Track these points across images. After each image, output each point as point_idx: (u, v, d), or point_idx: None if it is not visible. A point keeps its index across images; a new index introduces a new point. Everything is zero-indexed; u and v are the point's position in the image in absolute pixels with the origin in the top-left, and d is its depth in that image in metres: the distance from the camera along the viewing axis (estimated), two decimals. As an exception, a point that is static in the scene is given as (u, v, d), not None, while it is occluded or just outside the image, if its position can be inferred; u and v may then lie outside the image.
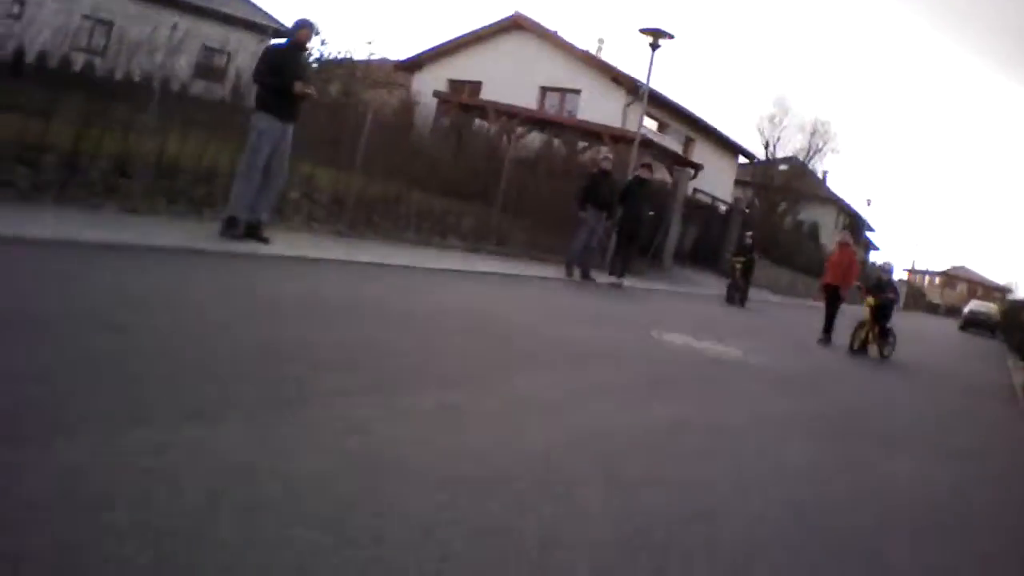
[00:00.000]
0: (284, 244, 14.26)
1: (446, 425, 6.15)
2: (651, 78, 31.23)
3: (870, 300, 20.70)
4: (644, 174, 25.02)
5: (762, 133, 66.96)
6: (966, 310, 74.93)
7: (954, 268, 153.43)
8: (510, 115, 35.71)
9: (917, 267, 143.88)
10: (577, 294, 19.68)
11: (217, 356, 6.68)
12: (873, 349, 20.68)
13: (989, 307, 76.12)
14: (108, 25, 32.60)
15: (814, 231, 65.86)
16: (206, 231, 13.73)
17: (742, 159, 57.95)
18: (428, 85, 43.14)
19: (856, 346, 20.35)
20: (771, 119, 65.95)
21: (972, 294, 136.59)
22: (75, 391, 5.10)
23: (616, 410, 7.92)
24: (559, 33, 45.80)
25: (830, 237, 64.33)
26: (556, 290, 19.35)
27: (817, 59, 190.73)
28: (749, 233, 31.97)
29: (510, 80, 41.81)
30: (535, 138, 32.93)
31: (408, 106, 33.08)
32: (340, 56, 43.13)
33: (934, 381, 19.41)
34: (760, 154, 63.60)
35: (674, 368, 11.24)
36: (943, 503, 7.77)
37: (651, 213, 25.51)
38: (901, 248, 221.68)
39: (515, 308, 14.16)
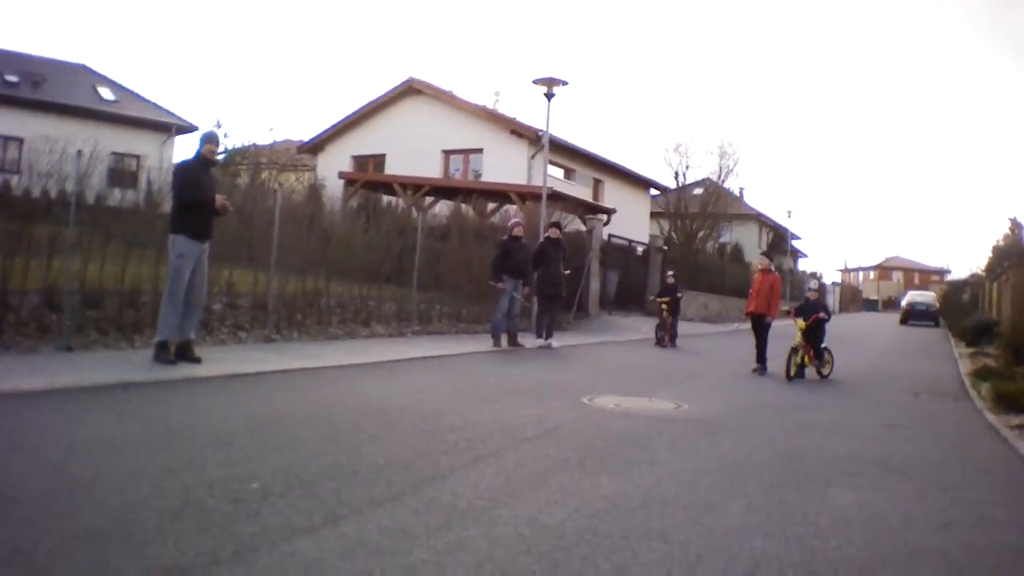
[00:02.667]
0: (216, 361, 14.92)
1: (392, 549, 6.10)
2: (550, 126, 31.60)
3: (800, 323, 20.76)
4: (553, 235, 25.35)
5: (670, 164, 67.40)
6: (904, 302, 74.35)
7: (887, 259, 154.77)
8: (416, 187, 36.42)
9: (849, 265, 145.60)
10: (507, 365, 19.77)
11: (158, 506, 6.65)
12: (811, 371, 20.89)
13: (927, 295, 75.90)
14: (19, 141, 33.38)
15: (737, 252, 66.69)
16: (140, 359, 14.47)
17: (654, 191, 58.43)
18: (333, 164, 44.03)
19: (792, 372, 20.24)
20: (677, 148, 66.44)
21: (909, 283, 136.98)
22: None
23: (553, 499, 7.83)
24: (455, 92, 46.67)
25: (755, 254, 65.25)
26: (485, 364, 19.77)
27: (712, 80, 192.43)
28: (671, 272, 31.96)
29: (412, 148, 42.88)
30: (443, 207, 33.73)
31: (315, 191, 33.66)
32: (243, 144, 43.99)
33: (878, 393, 19.29)
34: (671, 185, 63.75)
35: (605, 439, 11.06)
36: (892, 546, 7.14)
37: (567, 272, 25.56)
38: (831, 250, 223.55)
39: (449, 392, 14.19)
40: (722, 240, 67.70)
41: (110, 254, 17.09)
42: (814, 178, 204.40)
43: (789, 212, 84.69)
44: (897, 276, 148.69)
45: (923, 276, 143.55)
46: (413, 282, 25.00)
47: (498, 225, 31.21)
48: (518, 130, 43.96)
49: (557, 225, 26.35)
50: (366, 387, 14.41)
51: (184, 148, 53.47)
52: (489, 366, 19.59)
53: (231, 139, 42.29)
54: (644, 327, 34.62)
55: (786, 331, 22.87)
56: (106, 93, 49.20)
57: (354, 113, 47.94)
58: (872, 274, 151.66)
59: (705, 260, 56.32)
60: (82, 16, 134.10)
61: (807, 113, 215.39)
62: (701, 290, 49.13)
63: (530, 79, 29.33)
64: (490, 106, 48.86)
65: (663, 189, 60.05)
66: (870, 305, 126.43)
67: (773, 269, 23.24)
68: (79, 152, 16.66)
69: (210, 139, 15.29)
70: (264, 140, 46.38)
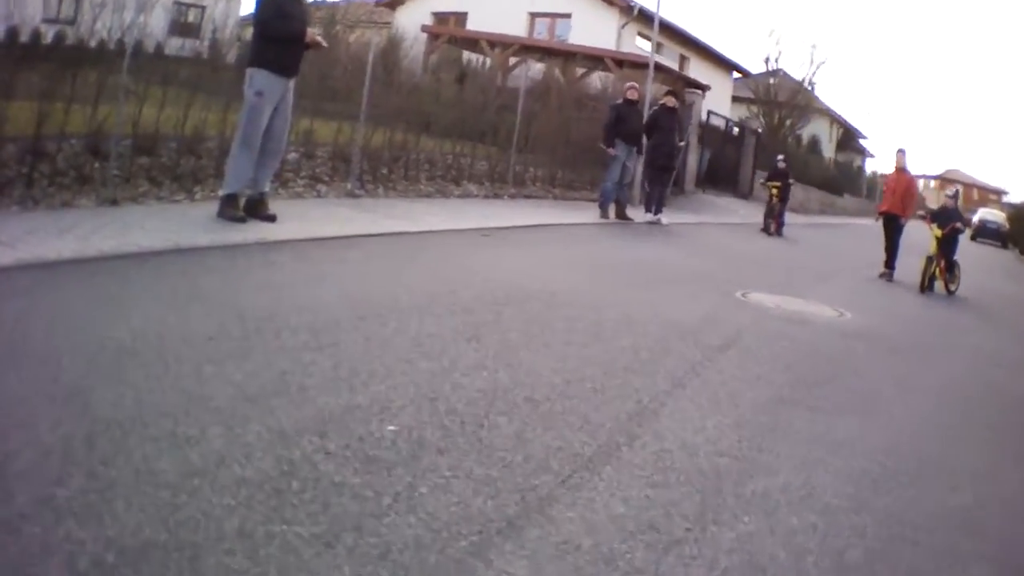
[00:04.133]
0: (293, 219, 12.14)
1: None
2: None
3: (936, 231, 18.84)
4: (670, 102, 23.13)
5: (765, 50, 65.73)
6: (976, 219, 69.77)
7: (947, 171, 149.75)
8: (504, 46, 33.88)
9: (912, 172, 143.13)
10: (627, 241, 17.84)
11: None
12: (939, 285, 18.91)
13: (997, 215, 73.38)
14: None
15: (814, 144, 64.22)
16: (200, 215, 11.57)
17: (735, 75, 55.64)
18: (412, 20, 39.79)
19: (925, 284, 18.47)
20: (771, 33, 64.82)
21: (968, 197, 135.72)
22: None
23: (816, 457, 5.86)
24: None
25: (828, 150, 62.72)
26: (603, 239, 17.49)
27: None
28: (781, 156, 30.11)
29: (496, 7, 39.53)
30: (533, 68, 31.12)
31: (396, 44, 31.12)
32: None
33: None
34: (758, 69, 61.21)
35: (801, 356, 9.18)
36: None
37: (681, 143, 23.63)
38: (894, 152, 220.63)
39: (581, 273, 12.10)
40: (797, 132, 64.03)
41: (170, 99, 14.13)
42: (880, 78, 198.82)
43: (869, 111, 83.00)
44: (952, 189, 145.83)
45: (981, 193, 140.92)
46: (513, 142, 22.28)
47: (598, 93, 29.04)
48: (608, -3, 40.60)
49: (673, 93, 24.15)
50: (481, 261, 12.06)
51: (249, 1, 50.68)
52: (608, 240, 17.49)
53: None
54: (741, 210, 33.55)
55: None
56: None
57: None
58: (933, 183, 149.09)
59: (790, 150, 53.27)
60: None
61: (880, 13, 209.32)
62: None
63: None
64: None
65: (746, 73, 57.04)
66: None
67: (907, 168, 21.13)
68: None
69: None
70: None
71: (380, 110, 17.86)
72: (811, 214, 45.67)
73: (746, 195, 40.45)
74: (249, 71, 11.91)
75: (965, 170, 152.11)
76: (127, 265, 8.61)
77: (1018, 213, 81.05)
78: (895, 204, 20.25)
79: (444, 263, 11.34)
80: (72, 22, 15.40)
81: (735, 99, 56.25)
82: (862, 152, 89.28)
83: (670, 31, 43.01)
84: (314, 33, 12.33)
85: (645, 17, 38.39)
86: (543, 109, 24.54)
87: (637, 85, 22.94)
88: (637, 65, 30.69)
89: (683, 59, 46.26)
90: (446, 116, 21.78)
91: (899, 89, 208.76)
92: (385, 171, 18.18)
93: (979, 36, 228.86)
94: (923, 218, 20.62)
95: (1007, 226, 68.02)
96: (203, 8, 32.40)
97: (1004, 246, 63.61)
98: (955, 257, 19.27)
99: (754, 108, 58.87)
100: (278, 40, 11.80)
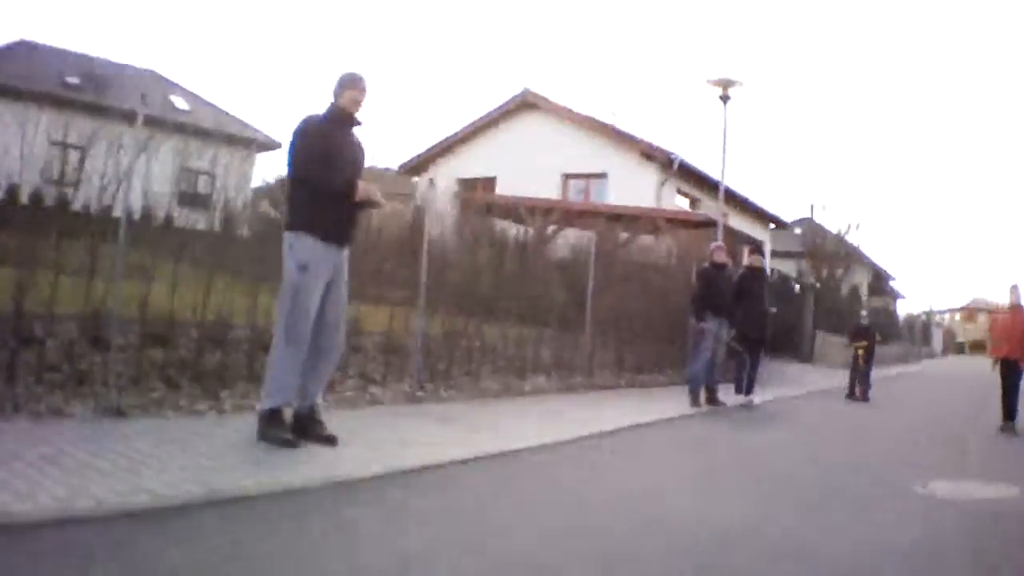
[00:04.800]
0: (358, 440, 9.36)
1: None
2: (726, 142, 28.41)
3: None
4: (755, 262, 21.13)
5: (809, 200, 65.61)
6: None
7: (973, 301, 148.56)
8: (545, 211, 31.47)
9: (935, 308, 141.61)
10: (744, 436, 15.34)
11: None
12: None
13: None
14: (80, 150, 29.14)
15: (855, 292, 62.64)
16: (236, 437, 8.81)
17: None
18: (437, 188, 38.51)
19: None
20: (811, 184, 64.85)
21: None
22: None
23: None
24: (576, 108, 41.72)
25: (866, 298, 61.41)
26: (718, 435, 15.01)
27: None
28: (864, 312, 28.25)
29: (527, 170, 37.30)
30: (576, 235, 28.93)
31: (419, 214, 28.97)
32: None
33: None
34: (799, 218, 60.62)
35: None
36: None
37: (773, 310, 21.30)
38: (920, 290, 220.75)
39: (734, 488, 9.71)
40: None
41: (184, 276, 11.70)
42: (898, 218, 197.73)
43: (897, 251, 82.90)
44: (982, 318, 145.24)
45: None
46: (586, 325, 20.12)
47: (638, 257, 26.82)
48: (648, 153, 38.49)
49: (758, 249, 22.42)
50: (616, 486, 9.43)
51: (266, 167, 48.96)
52: (725, 437, 14.95)
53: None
54: (810, 375, 31.81)
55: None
56: (179, 102, 43.40)
57: (462, 130, 43.07)
58: (958, 316, 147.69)
59: (842, 302, 51.71)
60: (150, 19, 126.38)
61: (893, 155, 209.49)
62: (840, 332, 44.10)
63: (702, 78, 25.19)
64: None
65: (784, 225, 55.02)
66: (959, 349, 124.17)
67: None
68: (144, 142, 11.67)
69: (352, 83, 9.35)
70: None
71: (436, 293, 15.45)
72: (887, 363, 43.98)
73: (808, 357, 38.22)
74: (288, 237, 9.06)
75: (991, 298, 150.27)
76: (133, 531, 5.83)
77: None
78: (1015, 347, 18.06)
79: (577, 496, 8.68)
80: (75, 185, 13.17)
81: (773, 253, 53.90)
82: (893, 295, 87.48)
83: (707, 184, 41.05)
84: (369, 187, 9.24)
85: (684, 171, 37.77)
86: (604, 282, 21.72)
87: (724, 245, 20.58)
88: (690, 224, 29.68)
89: (724, 214, 43.85)
90: (505, 297, 19.29)
91: (914, 225, 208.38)
92: (443, 366, 15.61)
93: (985, 166, 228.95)
94: None
95: None
96: (213, 176, 30.06)
97: None
98: None
99: (802, 262, 56.99)
100: (323, 196, 8.94)
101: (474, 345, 16.90)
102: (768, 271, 20.87)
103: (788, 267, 54.30)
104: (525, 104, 41.41)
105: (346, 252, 9.25)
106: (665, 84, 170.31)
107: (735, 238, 32.90)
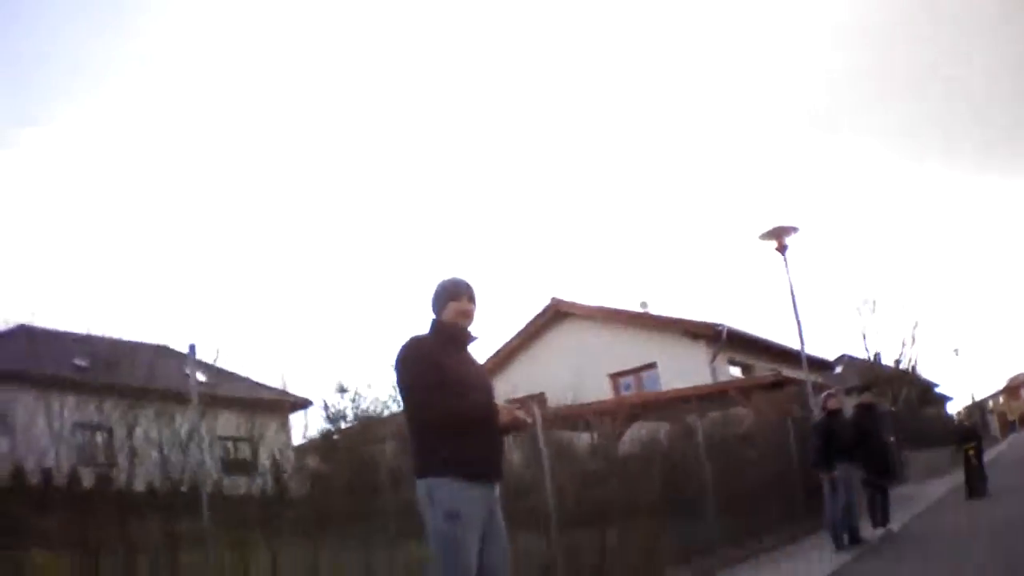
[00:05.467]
0: None
1: None
2: (794, 297, 28.59)
3: None
4: (867, 400, 21.57)
5: (864, 336, 65.66)
6: None
7: (1013, 378, 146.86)
8: (614, 414, 30.47)
9: (976, 396, 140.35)
10: (935, 568, 14.41)
11: None
12: None
13: None
14: (108, 431, 28.72)
15: (926, 395, 63.00)
16: None
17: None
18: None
19: None
20: (862, 308, 64.77)
21: None
22: None
23: None
24: (606, 304, 42.06)
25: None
26: (892, 563, 15.12)
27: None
28: (961, 413, 28.63)
29: (572, 379, 35.23)
30: (649, 427, 28.79)
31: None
32: (375, 410, 38.75)
33: None
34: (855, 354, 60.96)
35: None
36: None
37: (892, 439, 22.36)
38: (960, 381, 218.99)
39: None
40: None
41: (252, 544, 10.70)
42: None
43: (956, 350, 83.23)
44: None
45: None
46: (707, 505, 19.63)
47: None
48: (692, 330, 38.55)
49: (869, 389, 24.16)
50: None
51: (300, 426, 49.02)
52: (910, 566, 14.86)
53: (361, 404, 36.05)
54: (916, 491, 31.75)
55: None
56: (199, 375, 41.43)
57: (499, 350, 42.38)
58: (1001, 398, 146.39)
59: (909, 416, 51.68)
60: (150, 296, 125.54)
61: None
62: (915, 447, 43.19)
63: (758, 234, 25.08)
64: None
65: (830, 366, 55.37)
66: (1011, 426, 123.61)
67: None
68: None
69: (456, 292, 7.84)
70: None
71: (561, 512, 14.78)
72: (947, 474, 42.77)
73: (899, 477, 38.06)
74: (422, 485, 7.45)
75: None
76: None
77: None
78: None
79: None
80: (110, 465, 12.62)
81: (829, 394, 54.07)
82: (941, 399, 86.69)
83: (757, 346, 41.82)
84: (512, 408, 7.89)
85: (736, 338, 38.02)
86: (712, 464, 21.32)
87: (835, 392, 20.84)
88: (764, 387, 29.70)
89: (776, 372, 43.64)
90: (611, 500, 17.70)
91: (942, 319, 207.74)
92: None
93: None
94: None
95: None
96: (249, 440, 29.65)
97: None
98: None
99: (872, 391, 56.32)
100: (459, 428, 7.41)
101: (601, 554, 16.20)
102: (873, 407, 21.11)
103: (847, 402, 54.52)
104: (558, 314, 41.60)
105: (498, 490, 7.75)
106: (681, 261, 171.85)
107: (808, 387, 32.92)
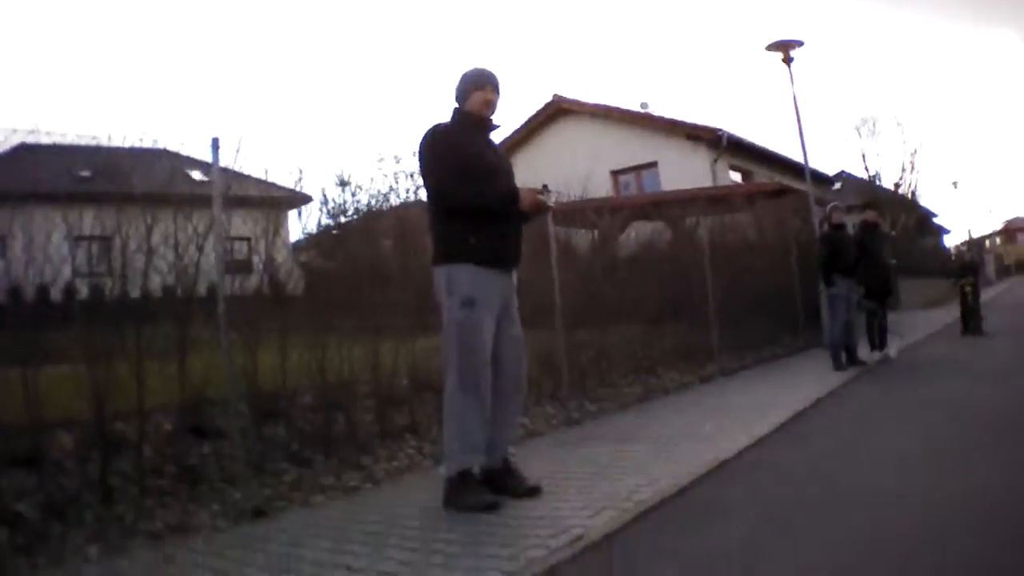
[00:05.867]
0: (560, 486, 7.98)
1: None
2: (798, 108, 27.63)
3: None
4: (872, 217, 20.92)
5: (863, 153, 65.31)
6: None
7: (1010, 221, 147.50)
8: (613, 210, 30.65)
9: (973, 234, 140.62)
10: (932, 389, 14.36)
11: None
12: None
13: None
14: (107, 241, 28.22)
15: (922, 223, 62.56)
16: (416, 512, 7.45)
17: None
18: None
19: None
20: (862, 128, 63.98)
21: None
22: None
23: None
24: (610, 103, 41.46)
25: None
26: (904, 401, 13.62)
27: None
28: (965, 249, 28.24)
29: (573, 175, 36.26)
30: (647, 227, 28.50)
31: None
32: (383, 193, 38.77)
33: None
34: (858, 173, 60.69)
35: None
36: None
37: (893, 262, 21.22)
38: (957, 217, 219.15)
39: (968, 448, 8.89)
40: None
41: (271, 342, 10.40)
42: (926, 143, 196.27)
43: (955, 183, 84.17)
44: (1022, 237, 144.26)
45: None
46: (708, 312, 19.36)
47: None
48: (694, 133, 38.24)
49: (874, 205, 22.44)
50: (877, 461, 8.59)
51: (298, 223, 48.82)
52: (909, 392, 14.33)
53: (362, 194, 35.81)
54: (910, 320, 32.35)
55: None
56: (196, 175, 41.44)
57: (499, 144, 41.57)
58: (998, 239, 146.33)
59: (907, 243, 51.07)
60: (146, 97, 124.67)
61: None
62: (912, 276, 44.02)
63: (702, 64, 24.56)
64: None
65: (831, 182, 55.03)
66: (1007, 270, 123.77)
67: None
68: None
69: (480, 81, 7.96)
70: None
71: (569, 305, 14.63)
72: (944, 305, 41.92)
73: (896, 304, 37.98)
74: (440, 272, 7.69)
75: None
76: None
77: None
78: None
79: (843, 486, 7.55)
80: (109, 275, 12.24)
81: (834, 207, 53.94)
82: (939, 231, 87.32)
83: (757, 155, 41.76)
84: (535, 191, 7.95)
85: (736, 144, 37.77)
86: (713, 269, 20.88)
87: (842, 205, 20.45)
88: (767, 194, 29.30)
89: (772, 180, 43.59)
90: (615, 301, 18.07)
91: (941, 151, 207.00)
92: (578, 379, 14.74)
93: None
94: None
95: None
96: (248, 240, 29.34)
97: None
98: None
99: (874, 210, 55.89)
100: (477, 214, 7.63)
101: (599, 354, 16.26)
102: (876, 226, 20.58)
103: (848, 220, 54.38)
104: (559, 111, 41.29)
105: (515, 276, 8.01)
106: (690, 64, 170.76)
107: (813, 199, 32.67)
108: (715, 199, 30.13)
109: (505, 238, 7.76)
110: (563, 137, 40.70)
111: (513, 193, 7.72)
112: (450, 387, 7.53)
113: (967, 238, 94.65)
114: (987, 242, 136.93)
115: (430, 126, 7.90)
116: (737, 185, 35.15)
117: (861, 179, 57.54)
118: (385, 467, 9.43)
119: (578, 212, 26.38)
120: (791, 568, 5.56)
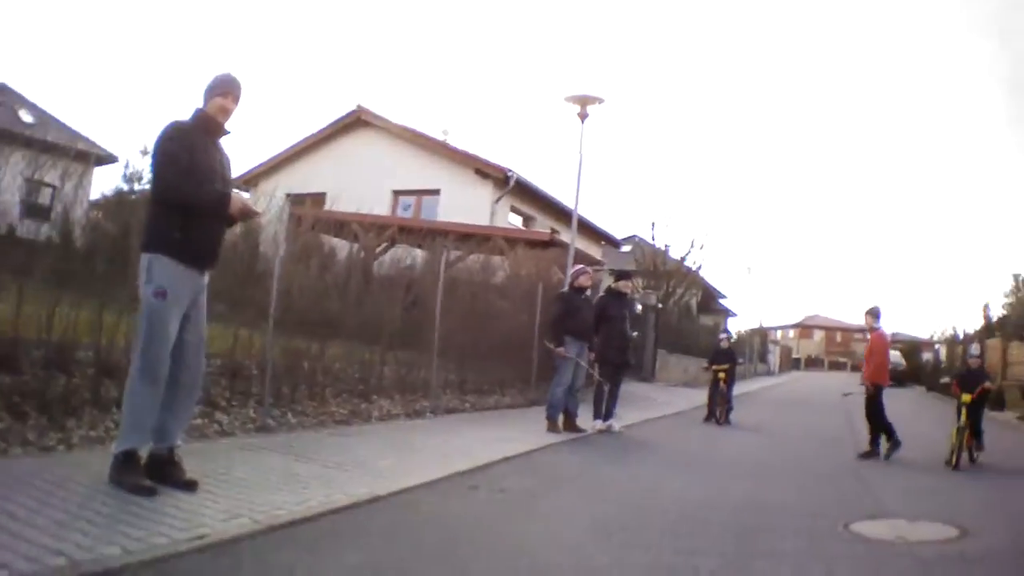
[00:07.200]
0: (216, 481, 8.65)
1: None
2: (582, 157, 27.31)
3: (966, 397, 17.04)
4: (623, 287, 20.40)
5: (652, 223, 66.05)
6: None
7: (807, 318, 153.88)
8: (380, 228, 30.89)
9: (765, 324, 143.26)
10: (620, 469, 14.50)
11: None
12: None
13: (893, 355, 72.64)
14: None
15: (687, 310, 62.84)
16: (87, 481, 7.88)
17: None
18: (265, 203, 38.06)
19: (955, 459, 16.47)
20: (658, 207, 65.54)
21: (831, 341, 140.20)
22: None
23: None
24: (410, 125, 41.88)
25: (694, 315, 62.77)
26: (599, 468, 14.43)
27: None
28: (724, 335, 28.34)
29: (357, 187, 36.94)
30: (402, 252, 28.60)
31: (252, 230, 28.23)
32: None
33: None
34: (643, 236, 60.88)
35: None
36: None
37: (635, 334, 21.20)
38: (752, 307, 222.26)
39: (654, 543, 8.88)
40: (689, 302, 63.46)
41: (30, 294, 10.94)
42: (729, 238, 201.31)
43: (749, 268, 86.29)
44: (818, 335, 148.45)
45: (845, 334, 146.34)
46: (434, 347, 19.44)
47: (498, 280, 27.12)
48: (483, 169, 38.87)
49: (627, 275, 21.54)
50: (513, 539, 8.69)
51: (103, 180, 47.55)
52: (608, 471, 14.27)
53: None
54: (659, 395, 32.79)
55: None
56: (25, 115, 42.96)
57: (294, 145, 43.36)
58: (792, 332, 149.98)
59: (686, 322, 52.09)
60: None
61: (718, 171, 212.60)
62: (677, 351, 45.66)
63: (543, 96, 25.11)
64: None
65: (617, 244, 56.65)
66: (795, 363, 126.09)
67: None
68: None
69: (225, 89, 8.58)
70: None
71: (287, 314, 14.93)
72: (700, 385, 43.61)
73: (651, 376, 38.71)
74: (144, 260, 8.18)
75: (825, 313, 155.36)
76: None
77: (911, 349, 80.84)
78: (870, 371, 18.84)
79: (474, 555, 7.89)
80: None
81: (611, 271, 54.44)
82: (725, 312, 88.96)
83: (543, 203, 42.20)
84: (243, 199, 8.72)
85: (520, 189, 38.43)
86: (448, 302, 21.00)
87: (590, 270, 20.30)
88: (534, 244, 29.91)
89: (553, 232, 43.83)
90: (347, 317, 18.49)
91: (745, 242, 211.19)
92: (288, 391, 15.05)
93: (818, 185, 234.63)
94: (950, 385, 19.63)
95: (903, 364, 68.05)
96: (53, 187, 29.13)
97: (901, 385, 61.80)
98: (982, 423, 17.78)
99: (639, 280, 55.38)
100: (187, 212, 8.16)
101: (318, 367, 16.42)
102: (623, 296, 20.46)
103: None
104: (358, 121, 41.81)
105: (207, 277, 8.62)
106: (497, 104, 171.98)
107: (577, 258, 32.97)
108: (485, 237, 30.53)
109: (208, 239, 8.38)
110: (358, 148, 41.21)
111: (226, 198, 8.33)
112: (133, 370, 8.05)
113: (756, 325, 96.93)
114: (779, 332, 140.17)
115: (172, 120, 8.47)
116: (508, 228, 35.96)
117: (654, 246, 57.74)
118: (84, 434, 9.87)
119: (344, 221, 26.55)
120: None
